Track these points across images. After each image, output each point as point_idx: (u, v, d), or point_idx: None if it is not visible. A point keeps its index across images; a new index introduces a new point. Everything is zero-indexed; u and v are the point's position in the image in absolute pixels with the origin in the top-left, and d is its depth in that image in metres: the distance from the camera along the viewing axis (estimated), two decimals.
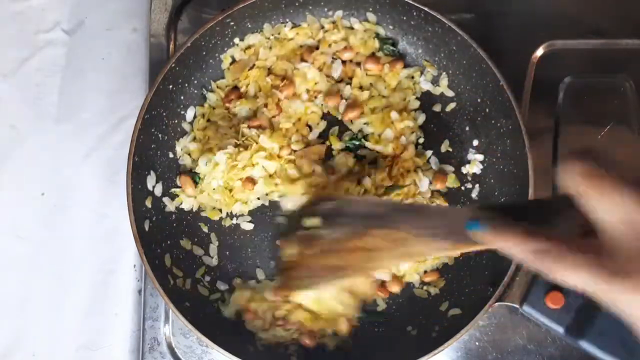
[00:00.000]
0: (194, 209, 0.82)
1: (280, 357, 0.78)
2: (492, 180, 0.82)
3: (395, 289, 0.80)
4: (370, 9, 0.83)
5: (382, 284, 0.81)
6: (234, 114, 0.83)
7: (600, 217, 0.39)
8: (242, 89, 0.83)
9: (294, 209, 0.73)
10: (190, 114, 0.83)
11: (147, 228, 0.76)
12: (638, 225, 0.37)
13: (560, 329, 0.67)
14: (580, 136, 0.84)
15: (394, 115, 0.81)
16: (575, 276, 0.39)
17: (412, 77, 0.84)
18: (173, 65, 0.77)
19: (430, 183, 0.82)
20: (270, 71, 0.84)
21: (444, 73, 0.84)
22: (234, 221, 0.82)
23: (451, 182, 0.82)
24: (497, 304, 0.72)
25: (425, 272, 0.81)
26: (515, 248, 0.43)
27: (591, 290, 0.39)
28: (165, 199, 0.80)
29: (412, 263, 0.80)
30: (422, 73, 0.85)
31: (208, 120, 0.83)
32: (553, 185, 0.80)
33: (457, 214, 0.57)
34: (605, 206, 0.38)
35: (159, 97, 0.77)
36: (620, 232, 0.37)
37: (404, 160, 0.81)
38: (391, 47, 0.84)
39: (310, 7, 0.83)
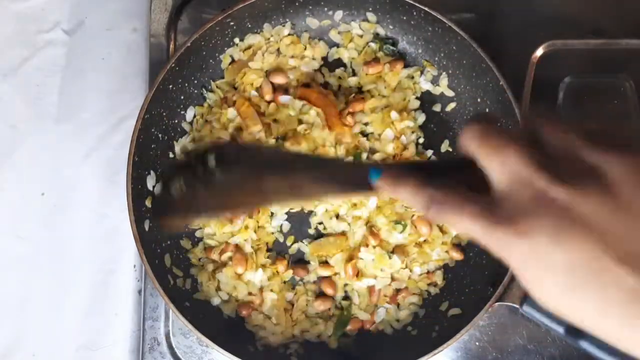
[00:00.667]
0: None
1: (280, 357, 0.78)
2: None
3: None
4: (370, 9, 0.83)
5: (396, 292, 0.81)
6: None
7: (490, 172, 0.41)
8: (239, 89, 0.83)
9: (194, 148, 0.79)
10: (190, 114, 0.83)
11: (147, 228, 0.76)
12: (521, 177, 0.39)
13: (560, 329, 0.67)
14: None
15: (394, 115, 0.81)
16: (466, 223, 0.41)
17: (412, 77, 0.84)
18: (173, 65, 0.77)
19: None
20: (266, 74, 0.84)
21: (444, 73, 0.84)
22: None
23: None
24: (497, 304, 0.72)
25: (428, 272, 0.81)
26: (410, 196, 0.45)
27: (480, 237, 0.41)
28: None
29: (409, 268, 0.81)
30: (422, 73, 0.85)
31: (206, 121, 0.83)
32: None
33: (360, 166, 0.64)
34: (494, 162, 0.41)
35: (159, 97, 0.77)
36: (507, 184, 0.40)
37: (404, 159, 0.81)
38: (391, 47, 0.84)
39: (310, 7, 0.83)
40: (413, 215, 0.80)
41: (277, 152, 0.71)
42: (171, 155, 0.82)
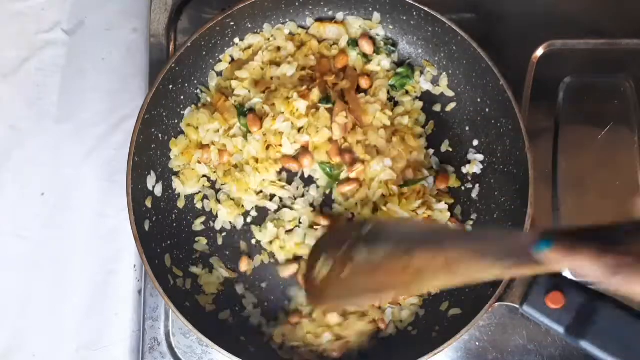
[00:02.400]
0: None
1: (280, 357, 0.78)
2: (492, 180, 0.82)
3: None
4: (371, 9, 0.83)
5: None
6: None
7: None
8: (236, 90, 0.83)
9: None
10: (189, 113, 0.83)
11: (147, 228, 0.76)
12: None
13: (560, 329, 0.67)
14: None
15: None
16: None
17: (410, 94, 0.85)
18: (173, 65, 0.77)
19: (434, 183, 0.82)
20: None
21: (444, 73, 0.84)
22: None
23: (452, 181, 0.82)
24: (497, 304, 0.72)
25: None
26: (590, 265, 0.44)
27: None
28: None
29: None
30: (422, 73, 0.85)
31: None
32: (553, 183, 0.81)
33: (520, 236, 0.57)
34: None
35: (159, 97, 0.77)
36: None
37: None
38: (391, 48, 0.84)
39: (311, 7, 0.83)
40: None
41: (416, 225, 0.66)
42: (171, 155, 0.82)
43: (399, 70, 0.84)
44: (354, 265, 0.58)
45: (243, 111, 0.81)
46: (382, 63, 0.84)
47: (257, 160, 0.81)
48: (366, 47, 0.83)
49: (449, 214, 0.81)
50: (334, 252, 0.62)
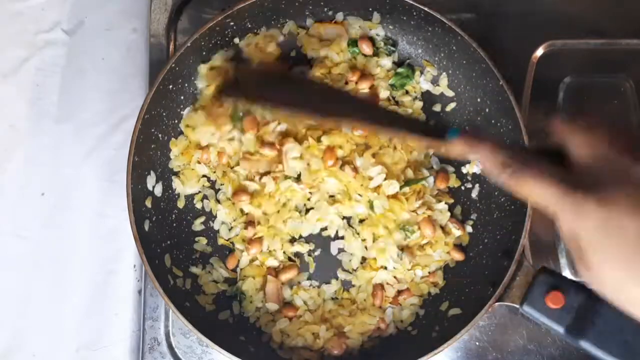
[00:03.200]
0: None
1: (280, 357, 0.78)
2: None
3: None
4: (370, 9, 0.83)
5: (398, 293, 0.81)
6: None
7: (575, 147, 0.46)
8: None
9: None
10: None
11: (147, 228, 0.76)
12: (606, 155, 0.44)
13: (560, 329, 0.67)
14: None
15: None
16: (544, 187, 0.45)
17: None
18: (173, 65, 0.77)
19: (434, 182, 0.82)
20: None
21: (444, 73, 0.84)
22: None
23: (452, 181, 0.83)
24: (497, 304, 0.72)
25: (429, 273, 0.81)
26: (486, 157, 0.49)
27: (554, 201, 0.44)
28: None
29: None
30: (422, 73, 0.85)
31: None
32: None
33: (441, 124, 0.73)
34: (580, 139, 0.45)
35: (159, 97, 0.77)
36: (591, 160, 0.44)
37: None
38: (391, 48, 0.84)
39: (310, 7, 0.83)
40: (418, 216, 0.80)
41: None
42: (171, 155, 0.82)
43: (399, 70, 0.84)
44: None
45: (238, 115, 0.81)
46: (382, 63, 0.84)
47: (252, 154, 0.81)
48: (365, 48, 0.83)
49: (449, 214, 0.81)
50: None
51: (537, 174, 0.45)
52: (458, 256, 0.80)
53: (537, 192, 0.45)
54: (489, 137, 0.51)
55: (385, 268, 0.80)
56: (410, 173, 0.81)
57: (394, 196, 0.80)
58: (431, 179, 0.82)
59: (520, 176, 0.46)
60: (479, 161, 0.50)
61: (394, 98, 0.85)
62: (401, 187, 0.80)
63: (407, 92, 0.85)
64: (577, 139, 0.46)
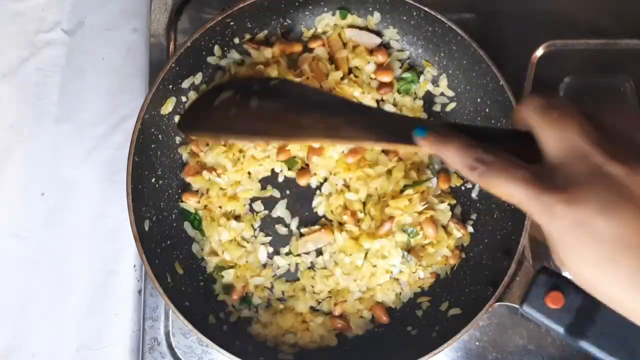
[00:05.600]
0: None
1: (279, 357, 0.78)
2: None
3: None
4: (371, 9, 0.83)
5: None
6: None
7: (546, 142, 0.43)
8: None
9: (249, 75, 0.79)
10: None
11: (147, 228, 0.76)
12: (579, 150, 0.41)
13: (560, 329, 0.67)
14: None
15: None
16: (514, 186, 0.42)
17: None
18: (173, 65, 0.77)
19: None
20: None
21: (444, 73, 0.84)
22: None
23: (454, 180, 0.83)
24: (497, 304, 0.72)
25: (430, 273, 0.81)
26: (456, 155, 0.46)
27: (524, 201, 0.42)
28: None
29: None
30: (422, 73, 0.85)
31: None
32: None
33: (406, 120, 0.65)
34: (553, 133, 0.43)
35: (159, 97, 0.77)
36: (563, 156, 0.42)
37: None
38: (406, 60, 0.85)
39: (311, 7, 0.83)
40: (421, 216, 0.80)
41: (319, 93, 0.73)
42: (171, 155, 0.82)
43: (404, 75, 0.84)
44: (246, 108, 0.65)
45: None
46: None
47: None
48: (380, 57, 0.83)
49: (450, 213, 0.81)
50: (237, 90, 0.69)
51: (506, 174, 0.43)
52: (457, 256, 0.81)
53: (506, 192, 0.43)
54: (455, 135, 0.47)
55: (391, 272, 0.80)
56: (414, 175, 0.81)
57: (396, 197, 0.80)
58: (434, 180, 0.82)
59: (488, 177, 0.44)
60: (446, 162, 0.48)
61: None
62: (406, 189, 0.79)
63: (407, 93, 0.85)
64: (547, 133, 0.43)
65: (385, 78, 0.83)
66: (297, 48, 0.83)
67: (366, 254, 0.80)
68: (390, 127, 0.55)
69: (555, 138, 0.42)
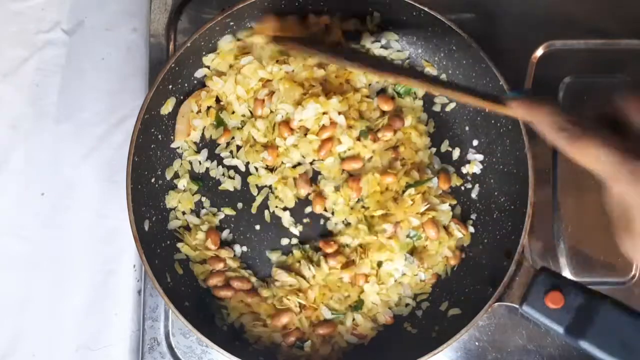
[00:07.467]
0: None
1: (279, 357, 0.78)
2: (492, 180, 0.82)
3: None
4: (370, 9, 0.83)
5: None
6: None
7: (635, 119, 0.47)
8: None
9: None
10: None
11: (147, 228, 0.76)
12: None
13: (560, 329, 0.67)
14: None
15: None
16: (602, 152, 0.45)
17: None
18: (173, 65, 0.77)
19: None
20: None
21: (444, 73, 0.84)
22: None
23: (454, 180, 0.83)
24: (497, 304, 0.72)
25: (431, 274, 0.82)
26: (547, 117, 0.49)
27: (611, 167, 0.45)
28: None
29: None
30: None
31: None
32: (553, 183, 0.83)
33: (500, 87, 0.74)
34: None
35: (159, 97, 0.77)
36: None
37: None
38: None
39: (310, 7, 0.83)
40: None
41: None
42: (171, 155, 0.82)
43: None
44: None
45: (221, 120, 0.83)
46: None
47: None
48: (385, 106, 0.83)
49: (451, 214, 0.81)
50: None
51: (595, 139, 0.46)
52: (457, 256, 0.81)
53: (593, 156, 0.45)
54: (547, 100, 0.50)
55: (393, 276, 0.80)
56: (415, 174, 0.81)
57: (396, 198, 0.80)
58: (435, 180, 0.82)
59: (577, 140, 0.46)
60: (535, 124, 0.50)
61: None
62: (407, 189, 0.79)
63: (407, 93, 0.85)
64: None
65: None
66: None
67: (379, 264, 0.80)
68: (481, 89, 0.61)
69: None
